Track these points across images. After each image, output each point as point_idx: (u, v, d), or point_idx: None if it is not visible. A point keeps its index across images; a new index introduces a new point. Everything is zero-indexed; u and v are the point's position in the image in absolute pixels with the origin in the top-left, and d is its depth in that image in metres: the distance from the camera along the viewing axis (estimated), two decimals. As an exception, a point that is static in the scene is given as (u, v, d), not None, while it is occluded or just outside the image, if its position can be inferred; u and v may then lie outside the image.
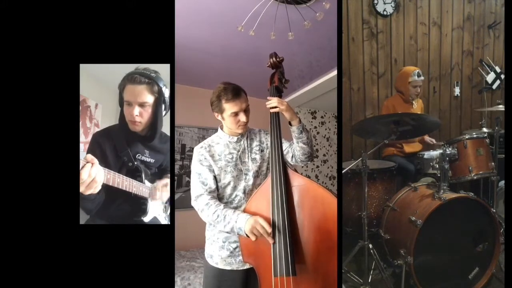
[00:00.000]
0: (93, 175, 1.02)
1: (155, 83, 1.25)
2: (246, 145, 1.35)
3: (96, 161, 1.03)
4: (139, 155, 1.34)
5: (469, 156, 1.77)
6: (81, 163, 1.00)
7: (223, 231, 1.25)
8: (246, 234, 1.08)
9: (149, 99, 1.25)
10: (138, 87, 1.23)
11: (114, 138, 1.30)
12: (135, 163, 1.31)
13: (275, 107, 1.24)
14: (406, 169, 2.02)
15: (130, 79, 1.23)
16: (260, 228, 1.05)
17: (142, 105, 1.25)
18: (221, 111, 1.27)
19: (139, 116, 1.26)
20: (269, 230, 1.05)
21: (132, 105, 1.24)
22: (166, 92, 1.30)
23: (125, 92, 1.24)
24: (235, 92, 1.25)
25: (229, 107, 1.24)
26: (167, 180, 1.40)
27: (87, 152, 1.24)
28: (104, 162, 1.09)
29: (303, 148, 1.29)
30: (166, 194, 1.38)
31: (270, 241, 1.07)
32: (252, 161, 1.33)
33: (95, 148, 1.26)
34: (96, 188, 1.04)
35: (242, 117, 1.27)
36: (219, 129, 1.37)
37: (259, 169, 1.33)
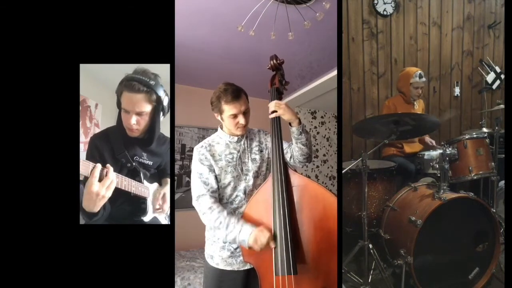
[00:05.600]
0: (111, 177, 1.06)
1: (153, 92, 1.22)
2: (246, 145, 1.35)
3: (110, 166, 1.08)
4: (136, 157, 1.34)
5: (469, 156, 1.76)
6: (91, 165, 1.02)
7: (223, 240, 1.24)
8: (249, 246, 1.08)
9: (147, 108, 1.23)
10: (136, 96, 1.19)
11: (111, 140, 1.29)
12: (134, 164, 1.30)
13: (274, 112, 1.24)
14: (406, 169, 2.02)
15: (127, 86, 1.19)
16: (264, 240, 1.06)
17: (139, 114, 1.23)
18: (220, 112, 1.27)
19: (136, 124, 1.24)
20: (272, 243, 1.06)
21: (129, 113, 1.22)
22: (165, 100, 1.28)
23: (123, 99, 1.22)
24: (235, 94, 1.24)
25: (228, 109, 1.24)
26: (165, 190, 1.40)
27: (86, 155, 1.24)
28: (103, 164, 1.09)
29: (301, 149, 1.29)
30: (167, 206, 1.38)
31: (272, 246, 1.07)
32: (252, 162, 1.33)
33: (93, 150, 1.26)
34: (111, 191, 1.07)
35: (241, 120, 1.26)
36: (219, 129, 1.37)
37: (259, 169, 1.33)
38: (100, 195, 1.03)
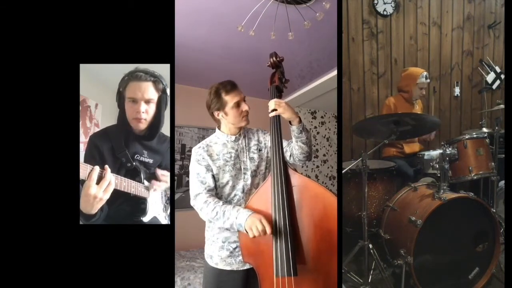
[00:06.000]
0: (108, 179, 1.05)
1: (159, 81, 1.26)
2: (244, 144, 1.35)
3: (108, 168, 1.07)
4: (137, 156, 1.33)
5: (469, 156, 1.76)
6: (88, 167, 1.02)
7: (222, 228, 1.24)
8: (246, 231, 1.07)
9: (154, 96, 1.26)
10: (144, 84, 1.23)
11: (111, 139, 1.29)
12: (134, 163, 1.30)
13: (274, 110, 1.23)
14: (405, 173, 2.01)
15: (134, 76, 1.23)
16: (261, 226, 1.03)
17: (148, 102, 1.25)
18: (222, 106, 1.28)
19: (145, 113, 1.25)
20: (269, 230, 1.04)
21: (137, 102, 1.24)
22: (168, 91, 1.31)
23: (129, 89, 1.24)
24: (232, 83, 1.29)
25: (231, 98, 1.26)
26: (165, 171, 1.39)
27: (85, 154, 1.24)
28: (102, 164, 1.09)
29: (301, 148, 1.29)
30: (165, 184, 1.37)
31: (268, 232, 1.03)
32: (250, 160, 1.33)
33: (93, 150, 1.26)
34: (108, 193, 1.06)
35: (244, 106, 1.29)
36: (216, 130, 1.37)
37: (257, 168, 1.33)
38: (98, 197, 1.03)
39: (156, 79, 1.25)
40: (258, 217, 1.06)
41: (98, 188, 1.03)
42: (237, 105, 1.27)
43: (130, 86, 1.23)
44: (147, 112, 1.26)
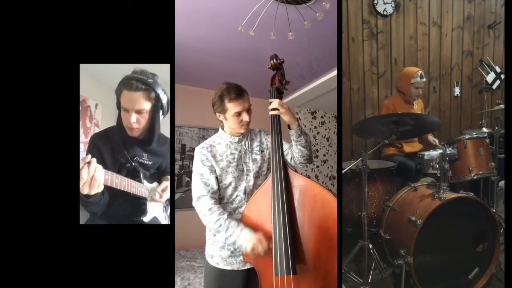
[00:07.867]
0: (92, 173, 1.03)
1: (152, 90, 1.23)
2: (247, 146, 1.35)
3: (93, 159, 1.04)
4: (136, 158, 1.34)
5: (469, 156, 1.77)
6: (80, 165, 1.01)
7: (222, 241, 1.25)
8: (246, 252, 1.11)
9: (146, 106, 1.24)
10: (135, 94, 1.21)
11: (112, 140, 1.29)
12: (133, 164, 1.30)
13: (275, 109, 1.24)
14: (407, 167, 2.01)
15: (126, 84, 1.21)
16: (261, 249, 1.08)
17: (139, 112, 1.24)
18: (223, 111, 1.27)
19: (136, 123, 1.25)
20: (268, 247, 1.09)
21: (129, 112, 1.23)
22: (164, 98, 1.28)
23: (122, 98, 1.23)
24: (238, 91, 1.25)
25: (232, 107, 1.24)
26: (166, 183, 1.40)
27: (86, 154, 1.24)
28: (102, 164, 1.09)
29: (301, 151, 1.29)
30: (166, 196, 1.38)
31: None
32: (252, 162, 1.33)
33: (93, 150, 1.26)
34: (99, 187, 1.05)
35: (245, 117, 1.27)
36: (220, 129, 1.37)
37: (260, 169, 1.33)
38: (89, 176, 1.02)
39: (147, 87, 1.22)
40: (258, 239, 1.10)
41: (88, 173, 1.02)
42: (238, 114, 1.26)
43: (123, 95, 1.22)
44: (138, 122, 1.25)
